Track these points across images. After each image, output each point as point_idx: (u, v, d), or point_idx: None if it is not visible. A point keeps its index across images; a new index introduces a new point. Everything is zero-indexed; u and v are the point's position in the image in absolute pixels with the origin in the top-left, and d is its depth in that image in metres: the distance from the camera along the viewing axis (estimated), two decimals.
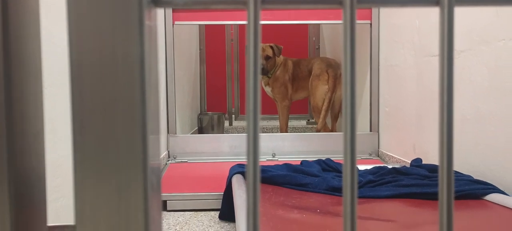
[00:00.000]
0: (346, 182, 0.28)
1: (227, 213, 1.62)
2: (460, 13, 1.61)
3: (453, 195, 0.28)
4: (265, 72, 3.01)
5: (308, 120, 4.08)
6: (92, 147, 0.26)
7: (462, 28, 1.59)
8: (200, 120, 3.47)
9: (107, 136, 0.27)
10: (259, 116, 0.27)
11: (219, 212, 1.67)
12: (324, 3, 0.27)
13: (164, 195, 1.81)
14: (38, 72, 0.33)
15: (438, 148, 0.26)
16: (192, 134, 3.33)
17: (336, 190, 1.48)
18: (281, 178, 1.56)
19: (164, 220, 1.67)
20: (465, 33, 1.57)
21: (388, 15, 2.33)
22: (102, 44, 0.26)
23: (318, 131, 2.81)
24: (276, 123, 3.63)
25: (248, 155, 0.28)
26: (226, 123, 3.84)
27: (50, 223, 1.20)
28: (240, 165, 1.73)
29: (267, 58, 2.96)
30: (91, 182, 0.26)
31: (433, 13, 1.82)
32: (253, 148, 0.28)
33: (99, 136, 0.27)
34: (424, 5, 0.28)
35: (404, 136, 2.14)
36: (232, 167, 1.74)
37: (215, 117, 3.48)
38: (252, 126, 0.27)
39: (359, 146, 2.49)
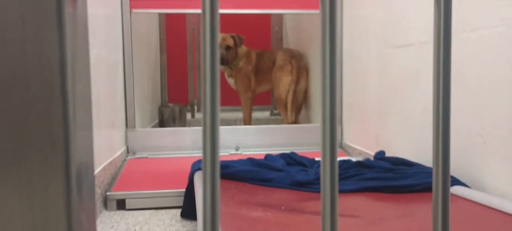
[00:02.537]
0: (325, 178, 0.24)
1: (189, 211, 1.57)
2: (422, 3, 1.61)
3: (448, 198, 0.24)
4: (225, 62, 2.95)
5: (272, 111, 4.06)
6: None
7: (425, 19, 1.59)
8: (161, 112, 3.37)
9: (15, 136, 0.21)
10: (218, 109, 0.22)
11: (181, 210, 1.61)
12: None
13: (123, 193, 1.72)
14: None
15: (432, 149, 0.22)
16: (153, 126, 3.22)
17: (300, 185, 1.45)
18: (245, 174, 1.52)
19: (123, 220, 1.59)
20: (428, 24, 1.57)
21: (351, 6, 2.32)
22: (8, 39, 0.20)
23: (290, 123, 2.80)
24: (239, 114, 3.58)
25: (204, 159, 0.23)
26: (188, 115, 3.75)
27: None
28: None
29: (227, 48, 2.90)
30: None
31: (396, 5, 1.82)
32: (211, 151, 0.23)
33: (3, 136, 0.21)
34: None
35: (366, 127, 2.15)
36: (194, 162, 1.68)
37: (177, 109, 3.39)
38: (210, 123, 0.22)
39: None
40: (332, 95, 0.21)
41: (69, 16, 0.20)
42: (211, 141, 0.20)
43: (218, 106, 0.21)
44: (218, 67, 0.22)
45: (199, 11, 2.37)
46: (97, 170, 1.69)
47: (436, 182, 0.22)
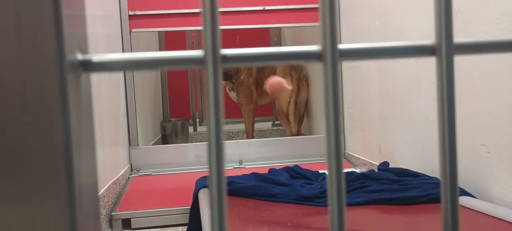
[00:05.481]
0: (332, 192, 0.24)
1: (195, 229, 1.56)
2: (420, 12, 1.62)
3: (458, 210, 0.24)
4: (228, 77, 2.96)
5: (273, 122, 4.06)
6: None
7: (422, 28, 1.60)
8: (163, 128, 3.37)
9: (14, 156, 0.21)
10: (223, 127, 0.23)
11: (186, 227, 1.61)
12: (299, 58, 0.23)
13: (128, 212, 1.72)
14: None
15: (439, 160, 0.23)
16: (155, 142, 3.22)
17: (305, 199, 1.45)
18: (249, 190, 1.52)
19: None
20: (425, 33, 1.58)
21: (348, 16, 2.34)
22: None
23: (293, 135, 2.81)
24: (242, 126, 3.58)
25: (210, 179, 0.24)
26: (191, 129, 3.75)
27: None
28: (207, 177, 1.67)
29: None
30: None
31: (393, 15, 1.83)
32: (218, 169, 0.23)
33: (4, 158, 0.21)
34: (417, 56, 0.25)
35: (369, 137, 2.15)
36: (198, 180, 1.68)
37: (179, 123, 3.39)
38: (215, 144, 0.23)
39: (324, 149, 2.48)
40: (336, 107, 0.22)
41: (74, 98, 0.20)
42: (217, 158, 0.21)
43: (222, 123, 0.21)
44: (222, 85, 0.23)
45: (198, 28, 2.38)
46: (102, 190, 1.69)
47: (445, 194, 0.22)
